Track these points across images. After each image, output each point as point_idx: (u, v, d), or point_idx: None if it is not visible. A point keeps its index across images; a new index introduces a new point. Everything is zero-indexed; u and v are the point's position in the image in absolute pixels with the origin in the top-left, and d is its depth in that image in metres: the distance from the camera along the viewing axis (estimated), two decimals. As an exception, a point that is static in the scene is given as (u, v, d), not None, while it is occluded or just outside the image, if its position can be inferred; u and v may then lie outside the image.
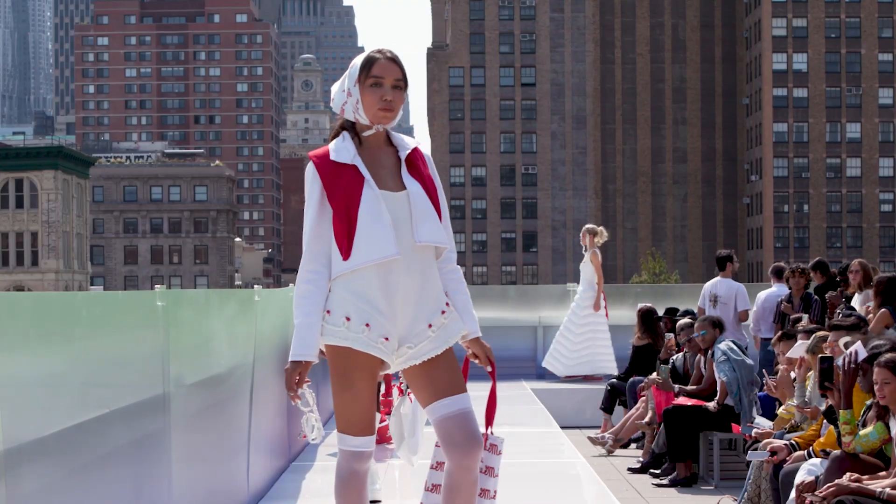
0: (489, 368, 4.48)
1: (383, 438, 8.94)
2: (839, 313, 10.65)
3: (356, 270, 4.22)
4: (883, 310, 9.71)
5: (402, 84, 4.31)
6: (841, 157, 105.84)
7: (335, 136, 4.40)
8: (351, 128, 4.36)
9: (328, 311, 4.25)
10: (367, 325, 4.21)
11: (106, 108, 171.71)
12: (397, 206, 4.26)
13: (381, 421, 11.03)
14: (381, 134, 4.37)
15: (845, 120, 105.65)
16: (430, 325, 4.30)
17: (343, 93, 4.33)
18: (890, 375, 6.21)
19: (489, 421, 4.49)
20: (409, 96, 4.41)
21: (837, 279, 12.22)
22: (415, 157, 4.38)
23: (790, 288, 12.97)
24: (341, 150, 4.30)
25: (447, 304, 4.37)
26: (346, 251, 4.21)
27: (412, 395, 4.76)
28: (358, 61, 4.34)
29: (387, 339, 4.24)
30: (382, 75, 4.27)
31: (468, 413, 4.30)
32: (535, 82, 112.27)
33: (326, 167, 4.27)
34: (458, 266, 4.50)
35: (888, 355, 6.29)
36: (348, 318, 4.21)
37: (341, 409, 4.27)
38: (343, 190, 4.23)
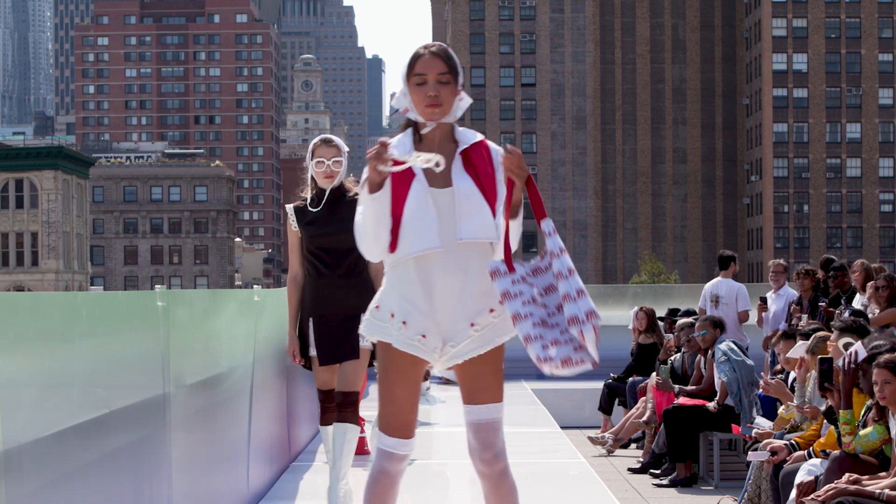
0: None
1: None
2: (840, 312, 10.66)
3: (400, 266, 4.20)
4: (893, 308, 9.73)
5: (448, 77, 4.24)
6: (841, 157, 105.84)
7: (403, 131, 4.41)
8: (415, 124, 4.34)
9: (377, 307, 4.27)
10: (405, 322, 4.19)
11: (106, 108, 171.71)
12: (443, 202, 4.21)
13: None
14: (443, 129, 4.31)
15: (845, 120, 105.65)
16: (472, 324, 4.23)
17: (404, 94, 4.32)
18: (890, 375, 6.21)
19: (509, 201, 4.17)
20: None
21: (830, 275, 12.21)
22: (473, 152, 4.29)
23: (798, 290, 12.94)
24: (399, 145, 4.27)
25: (500, 301, 4.24)
26: (392, 244, 4.21)
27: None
28: (407, 58, 4.33)
29: (424, 336, 4.20)
30: (425, 72, 4.23)
31: (490, 424, 4.25)
32: (535, 82, 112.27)
33: None
34: None
35: (887, 356, 6.29)
36: (392, 315, 4.21)
37: (380, 406, 4.29)
38: (393, 183, 4.21)
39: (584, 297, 4.07)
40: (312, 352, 6.61)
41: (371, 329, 4.26)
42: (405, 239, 4.17)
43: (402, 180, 4.20)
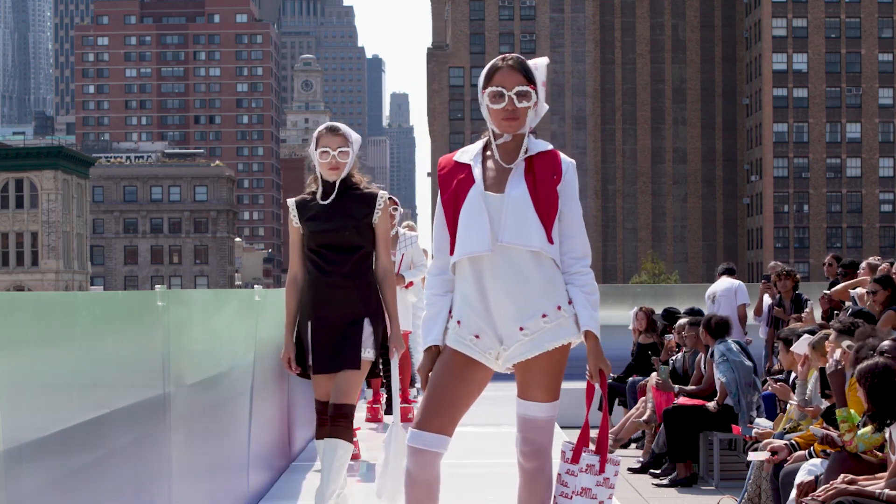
0: (592, 381, 4.43)
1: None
2: (839, 313, 10.65)
3: (459, 267, 4.29)
4: (889, 311, 9.71)
5: (527, 90, 4.25)
6: (841, 157, 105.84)
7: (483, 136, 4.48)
8: (493, 132, 4.37)
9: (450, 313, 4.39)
10: (459, 322, 4.29)
11: (106, 108, 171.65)
12: (495, 207, 4.24)
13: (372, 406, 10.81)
14: (517, 139, 4.32)
15: (845, 120, 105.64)
16: (521, 328, 4.26)
17: (480, 104, 4.39)
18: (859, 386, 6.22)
19: (583, 439, 4.46)
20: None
21: (839, 273, 12.25)
22: (537, 160, 4.30)
23: (779, 292, 12.97)
24: (468, 150, 4.38)
25: (559, 307, 4.27)
26: (452, 247, 4.31)
27: (395, 433, 4.97)
28: (485, 69, 4.36)
29: (477, 336, 4.27)
30: (503, 85, 4.25)
31: (533, 421, 4.42)
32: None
33: (446, 167, 4.36)
34: (588, 270, 4.36)
35: (860, 366, 6.25)
36: (451, 315, 4.34)
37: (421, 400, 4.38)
38: (453, 189, 4.29)
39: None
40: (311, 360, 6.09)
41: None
42: (460, 241, 4.25)
43: (464, 183, 4.28)
